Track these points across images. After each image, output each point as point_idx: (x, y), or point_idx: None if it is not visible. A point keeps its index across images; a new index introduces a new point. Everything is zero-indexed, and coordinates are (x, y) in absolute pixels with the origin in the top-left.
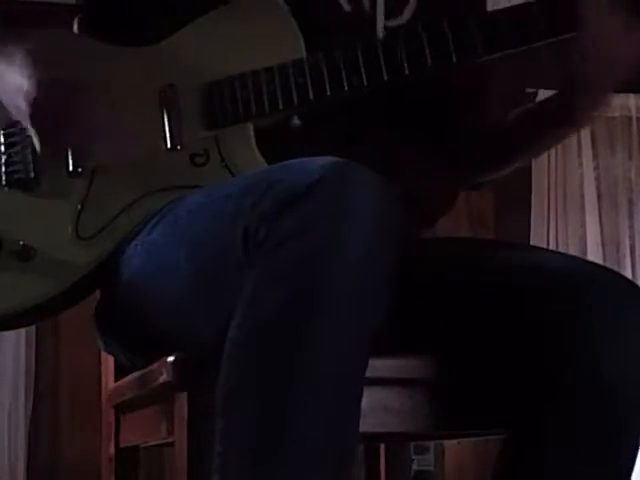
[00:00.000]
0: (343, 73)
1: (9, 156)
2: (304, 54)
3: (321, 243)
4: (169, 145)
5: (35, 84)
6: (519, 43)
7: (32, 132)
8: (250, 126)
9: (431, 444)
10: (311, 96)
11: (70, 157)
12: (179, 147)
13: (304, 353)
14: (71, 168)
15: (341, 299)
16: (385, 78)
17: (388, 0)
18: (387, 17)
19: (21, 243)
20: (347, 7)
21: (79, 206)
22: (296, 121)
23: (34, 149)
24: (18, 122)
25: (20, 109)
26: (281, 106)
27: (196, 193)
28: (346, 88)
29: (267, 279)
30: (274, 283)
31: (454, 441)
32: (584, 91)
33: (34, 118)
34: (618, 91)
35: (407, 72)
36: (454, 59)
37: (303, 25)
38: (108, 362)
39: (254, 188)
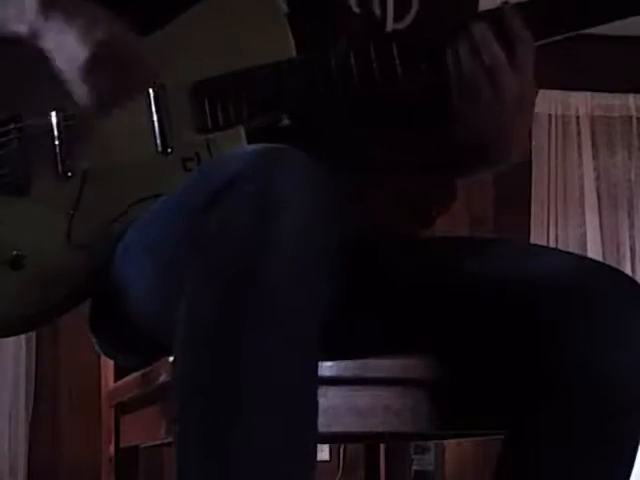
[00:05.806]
0: (335, 73)
1: None
2: (294, 53)
3: (250, 237)
4: (160, 148)
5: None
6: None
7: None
8: (241, 128)
9: (431, 444)
10: (303, 95)
11: (59, 160)
12: (170, 150)
13: (247, 353)
14: (60, 171)
15: (278, 293)
16: (377, 80)
17: (397, 2)
18: (395, 19)
19: (14, 252)
20: (356, 9)
21: (71, 212)
22: (286, 120)
23: (23, 152)
24: (5, 124)
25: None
26: (272, 107)
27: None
28: (338, 88)
29: (200, 278)
30: (207, 282)
31: (454, 441)
32: (482, 130)
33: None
34: (618, 91)
35: (400, 74)
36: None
37: (312, 27)
38: (108, 362)
39: (194, 185)
